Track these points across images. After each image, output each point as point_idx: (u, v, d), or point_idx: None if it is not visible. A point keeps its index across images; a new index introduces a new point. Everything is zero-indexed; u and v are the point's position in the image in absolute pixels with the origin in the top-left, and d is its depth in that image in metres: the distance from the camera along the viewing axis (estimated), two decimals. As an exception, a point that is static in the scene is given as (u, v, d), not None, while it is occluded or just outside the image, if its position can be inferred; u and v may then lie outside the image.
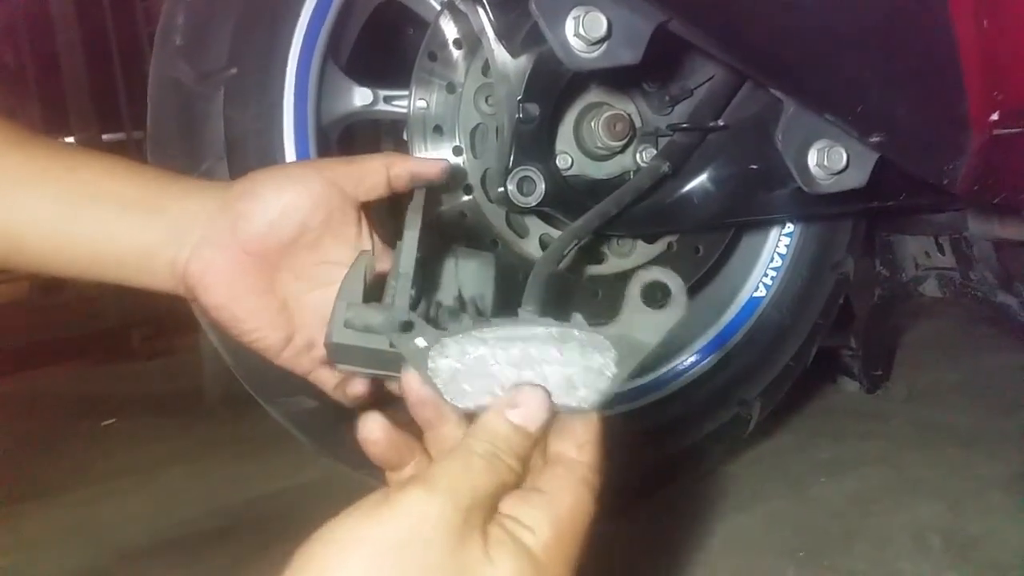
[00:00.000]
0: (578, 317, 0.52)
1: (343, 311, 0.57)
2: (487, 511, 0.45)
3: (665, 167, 0.95)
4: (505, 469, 0.46)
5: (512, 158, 0.91)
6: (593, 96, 1.02)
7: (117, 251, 0.62)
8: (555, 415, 0.51)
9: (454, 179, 0.99)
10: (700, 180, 0.99)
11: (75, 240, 0.62)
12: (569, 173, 1.02)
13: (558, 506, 0.47)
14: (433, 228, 0.71)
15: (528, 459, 0.49)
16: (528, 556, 0.45)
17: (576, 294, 1.04)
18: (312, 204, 0.63)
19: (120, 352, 2.66)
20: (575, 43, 0.79)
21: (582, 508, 0.48)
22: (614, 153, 1.03)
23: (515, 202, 0.92)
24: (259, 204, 0.63)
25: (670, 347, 1.20)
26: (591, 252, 1.06)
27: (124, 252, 0.62)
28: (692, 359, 1.19)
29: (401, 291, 0.57)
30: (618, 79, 1.01)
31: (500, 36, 0.89)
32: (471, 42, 1.00)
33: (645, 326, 0.52)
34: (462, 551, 0.42)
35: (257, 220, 0.63)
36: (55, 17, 2.87)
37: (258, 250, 0.63)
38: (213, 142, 0.91)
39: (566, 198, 0.95)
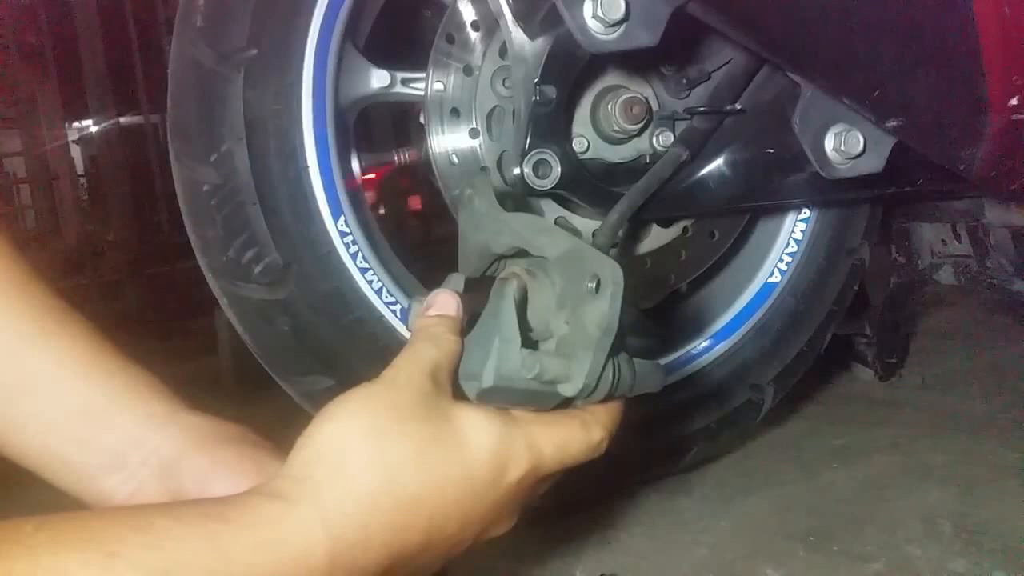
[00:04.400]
0: None
1: (503, 354, 0.54)
2: (447, 372, 0.55)
3: (685, 155, 0.96)
4: (444, 341, 0.56)
5: (528, 140, 0.91)
6: (610, 79, 1.02)
7: (58, 461, 0.60)
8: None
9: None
10: (716, 164, 0.99)
11: (12, 428, 0.59)
12: (585, 156, 1.02)
13: (553, 415, 0.56)
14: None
15: (459, 331, 0.58)
16: (501, 410, 0.54)
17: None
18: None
19: (138, 332, 2.68)
20: (593, 25, 0.79)
21: (571, 429, 0.56)
22: (630, 136, 1.03)
23: (531, 185, 0.92)
24: (203, 486, 0.60)
25: (685, 331, 1.20)
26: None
27: (62, 464, 0.60)
28: (706, 343, 1.20)
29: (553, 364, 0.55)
30: (635, 62, 1.01)
31: (518, 18, 0.89)
32: (488, 24, 1.00)
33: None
34: (435, 400, 0.52)
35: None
36: (74, 1, 2.88)
37: None
38: (232, 123, 0.92)
39: (582, 181, 0.95)
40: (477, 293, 0.62)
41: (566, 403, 0.57)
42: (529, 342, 0.56)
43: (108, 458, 0.60)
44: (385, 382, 0.52)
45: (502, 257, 0.66)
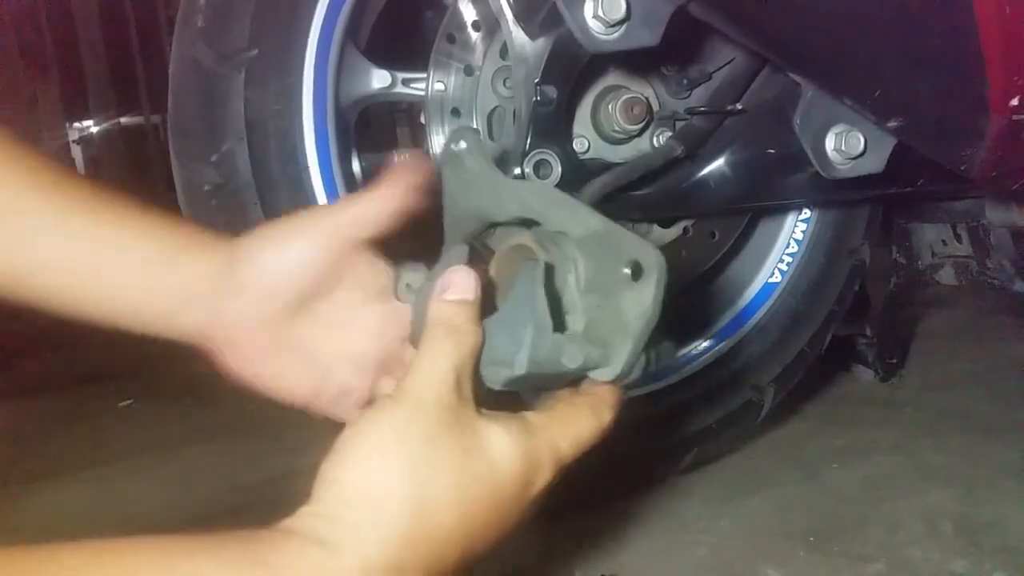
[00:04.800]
0: None
1: (536, 341, 0.52)
2: (469, 372, 0.53)
3: (679, 150, 0.96)
4: (467, 335, 0.53)
5: (529, 141, 0.91)
6: (611, 79, 1.02)
7: (131, 304, 0.63)
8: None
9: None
10: (717, 164, 0.99)
11: (91, 288, 0.62)
12: (586, 156, 1.02)
13: (560, 405, 0.55)
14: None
15: (479, 317, 0.55)
16: (519, 418, 0.53)
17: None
18: (314, 255, 0.62)
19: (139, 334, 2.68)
20: (594, 25, 0.79)
21: (583, 420, 0.55)
22: (631, 137, 1.03)
23: (532, 185, 0.92)
24: (262, 266, 0.62)
25: (686, 332, 1.20)
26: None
27: (138, 306, 0.63)
28: (707, 344, 1.20)
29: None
30: (636, 62, 1.01)
31: (518, 18, 0.89)
32: (489, 24, 1.00)
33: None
34: (459, 415, 0.50)
35: (263, 281, 0.62)
36: (75, 1, 2.89)
37: (269, 309, 0.62)
38: (233, 123, 0.92)
39: (582, 181, 0.95)
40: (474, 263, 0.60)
41: (577, 379, 0.56)
42: (559, 325, 0.54)
43: (177, 299, 0.62)
44: (411, 403, 0.50)
45: (498, 224, 0.63)
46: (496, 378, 0.54)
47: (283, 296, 0.62)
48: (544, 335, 0.52)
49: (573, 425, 0.55)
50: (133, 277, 0.62)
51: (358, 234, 0.62)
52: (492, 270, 0.62)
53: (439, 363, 0.52)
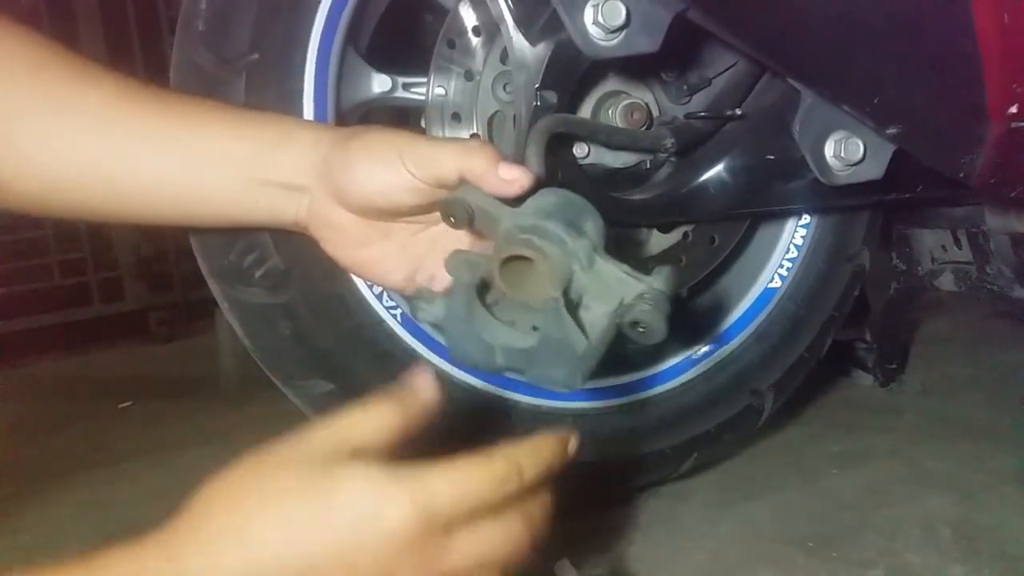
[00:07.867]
0: None
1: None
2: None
3: (669, 141, 0.96)
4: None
5: (529, 146, 0.91)
6: (611, 85, 1.02)
7: (231, 203, 0.66)
8: None
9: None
10: (717, 170, 0.99)
11: (191, 192, 0.66)
12: (585, 161, 1.02)
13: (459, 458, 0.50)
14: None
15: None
16: (387, 463, 0.49)
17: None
18: (400, 188, 0.64)
19: (137, 335, 2.69)
20: (593, 31, 0.80)
21: (474, 466, 0.49)
22: (631, 142, 1.03)
23: (531, 190, 0.92)
24: (354, 184, 0.64)
25: (685, 337, 1.20)
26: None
27: (239, 203, 0.66)
28: (706, 348, 1.20)
29: None
30: (636, 68, 1.01)
31: (519, 24, 0.90)
32: (490, 30, 1.00)
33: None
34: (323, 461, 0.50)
35: (354, 195, 0.65)
36: (76, 3, 2.89)
37: (362, 214, 0.66)
38: (234, 127, 0.92)
39: (582, 186, 0.95)
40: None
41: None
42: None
43: (279, 193, 0.66)
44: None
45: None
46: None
47: (371, 209, 0.66)
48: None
49: (456, 467, 0.48)
50: (236, 175, 0.65)
51: (432, 178, 0.63)
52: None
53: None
